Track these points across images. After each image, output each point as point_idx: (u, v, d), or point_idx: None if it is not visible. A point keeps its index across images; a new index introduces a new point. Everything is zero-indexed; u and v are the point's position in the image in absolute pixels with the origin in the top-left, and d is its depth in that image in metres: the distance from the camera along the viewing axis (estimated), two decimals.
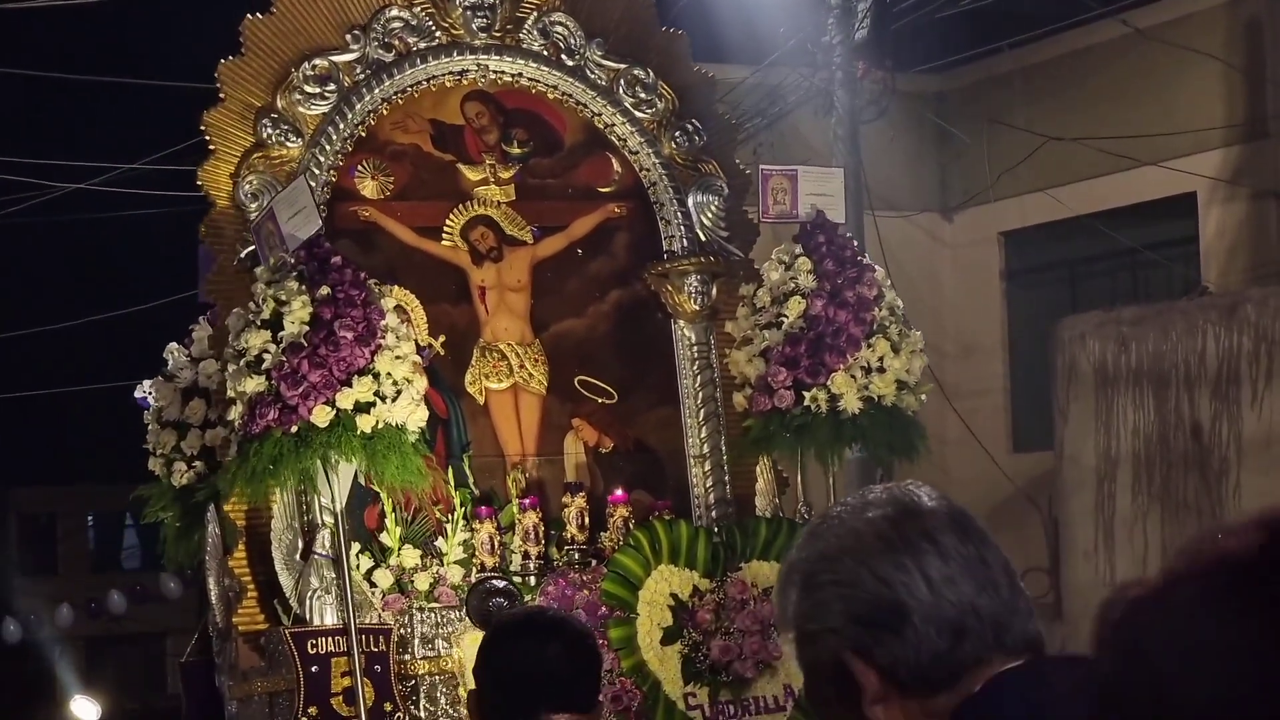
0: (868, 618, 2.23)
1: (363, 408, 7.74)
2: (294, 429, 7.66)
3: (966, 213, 17.25)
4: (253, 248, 8.33)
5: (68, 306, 24.89)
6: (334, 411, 7.68)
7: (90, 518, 38.00)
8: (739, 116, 13.52)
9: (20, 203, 18.28)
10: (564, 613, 6.12)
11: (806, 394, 8.39)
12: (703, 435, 9.10)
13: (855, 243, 8.78)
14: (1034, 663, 2.25)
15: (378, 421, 7.74)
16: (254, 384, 7.73)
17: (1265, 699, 1.53)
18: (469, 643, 7.94)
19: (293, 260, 7.88)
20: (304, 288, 7.81)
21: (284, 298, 7.79)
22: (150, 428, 8.91)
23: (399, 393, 7.83)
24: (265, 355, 7.75)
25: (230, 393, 7.88)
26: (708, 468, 9.05)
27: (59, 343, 24.75)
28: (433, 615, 8.19)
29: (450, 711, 8.00)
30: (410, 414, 7.87)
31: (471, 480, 8.73)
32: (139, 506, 9.05)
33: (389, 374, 7.81)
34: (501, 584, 6.98)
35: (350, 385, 7.70)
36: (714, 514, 8.92)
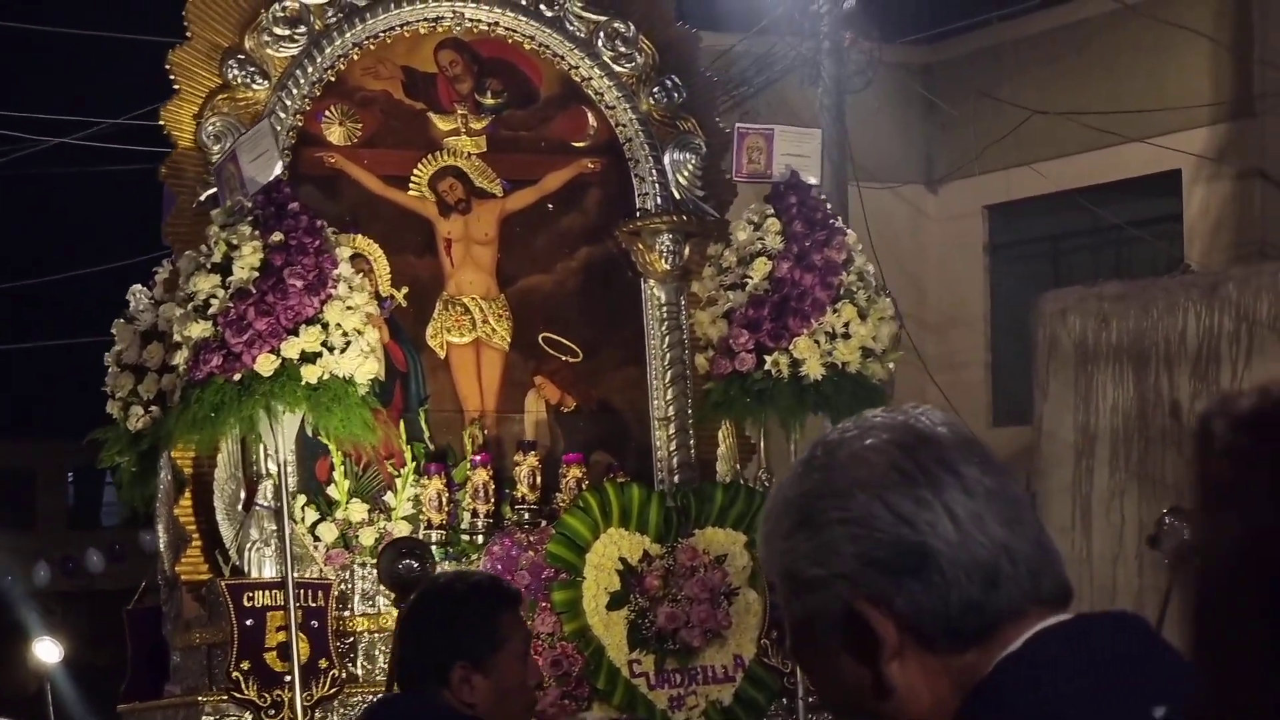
0: (887, 561, 1.92)
1: (309, 358, 7.58)
2: (237, 377, 7.51)
3: (951, 185, 17.08)
4: (213, 190, 8.17)
5: (50, 260, 24.76)
6: (279, 360, 7.52)
7: (70, 474, 37.87)
8: (726, 83, 13.43)
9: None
10: (489, 575, 5.98)
11: (768, 358, 8.21)
12: (668, 397, 8.93)
13: (829, 205, 8.57)
14: (1083, 618, 1.96)
15: (324, 372, 7.59)
16: (200, 329, 7.58)
17: None
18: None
19: (250, 204, 7.72)
20: (257, 233, 7.65)
21: (235, 241, 7.64)
22: (110, 370, 8.76)
23: (348, 344, 7.68)
24: (213, 300, 7.60)
25: (176, 336, 7.73)
26: (672, 430, 8.88)
27: (40, 297, 24.66)
28: (375, 571, 8.03)
29: (388, 670, 7.85)
30: (359, 366, 7.71)
31: (427, 435, 8.57)
32: (96, 449, 8.91)
33: (338, 324, 7.66)
34: (414, 545, 6.81)
35: (297, 334, 7.55)
36: (676, 478, 8.76)
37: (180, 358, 7.68)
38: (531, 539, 8.20)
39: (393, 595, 6.64)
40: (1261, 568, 1.39)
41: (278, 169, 7.72)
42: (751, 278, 8.31)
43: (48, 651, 10.40)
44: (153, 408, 8.50)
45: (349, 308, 7.70)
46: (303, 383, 7.55)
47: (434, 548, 8.05)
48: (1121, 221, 15.72)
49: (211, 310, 7.57)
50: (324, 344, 7.60)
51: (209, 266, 7.65)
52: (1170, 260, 14.60)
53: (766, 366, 8.21)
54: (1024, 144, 15.77)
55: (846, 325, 8.26)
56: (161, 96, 8.80)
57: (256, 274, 7.56)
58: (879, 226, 14.40)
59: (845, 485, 1.97)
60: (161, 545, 8.46)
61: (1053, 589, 1.98)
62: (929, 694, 1.94)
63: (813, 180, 8.52)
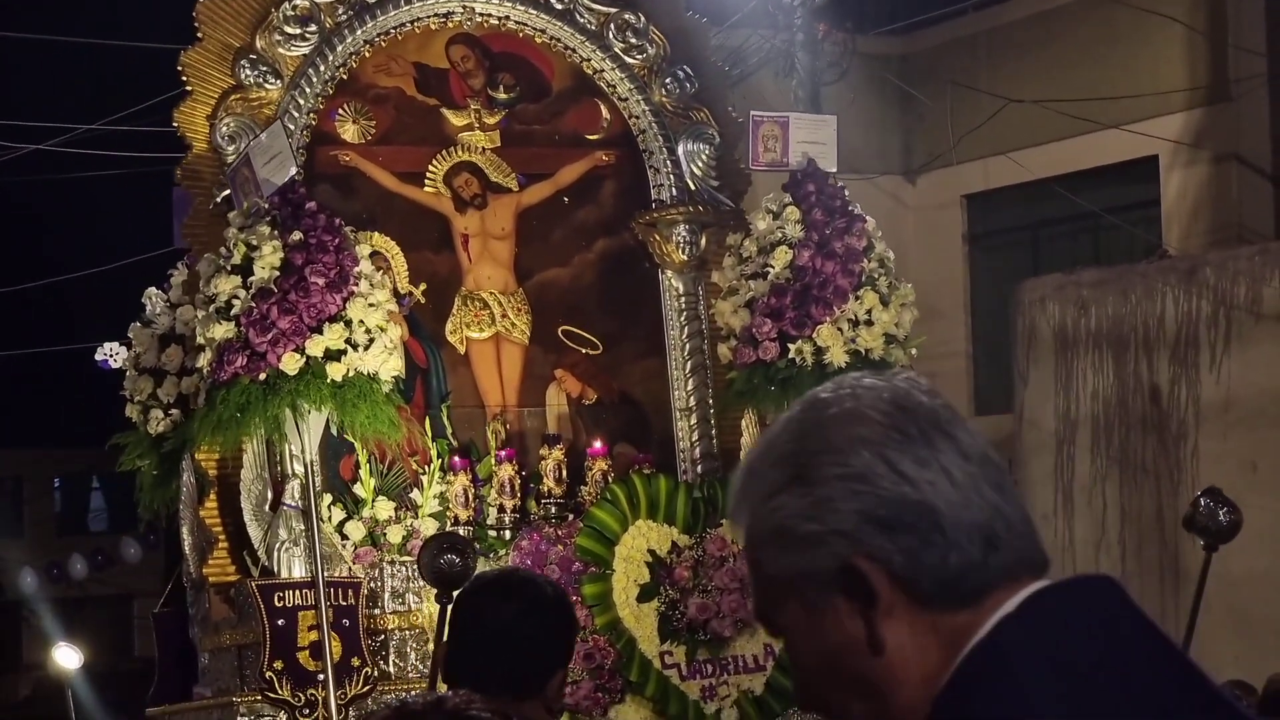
0: (888, 519, 1.90)
1: (333, 355, 7.58)
2: (262, 376, 7.50)
3: (929, 175, 17.14)
4: (229, 191, 8.16)
5: (31, 267, 24.68)
6: (304, 359, 7.52)
7: (57, 481, 37.77)
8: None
9: None
10: (536, 575, 5.96)
11: (791, 346, 8.20)
12: (689, 388, 8.91)
13: (846, 192, 8.55)
14: (1074, 582, 1.96)
15: (349, 370, 7.58)
16: (223, 330, 7.56)
17: None
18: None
19: (266, 205, 7.70)
20: (276, 233, 7.64)
21: (255, 242, 7.62)
22: (127, 374, 8.73)
23: (371, 341, 7.67)
24: (235, 301, 7.59)
25: (199, 339, 7.71)
26: (693, 421, 8.86)
27: (25, 304, 24.52)
28: (404, 569, 8.03)
29: (420, 667, 7.84)
30: (383, 363, 7.70)
31: (450, 431, 8.56)
32: (115, 455, 8.88)
33: (361, 321, 7.65)
34: (456, 540, 6.80)
35: (321, 332, 7.54)
36: (699, 468, 8.74)
37: (203, 360, 7.66)
38: (559, 533, 8.18)
39: (434, 591, 6.61)
40: None
41: (292, 170, 7.70)
42: (773, 267, 8.29)
43: (67, 658, 10.35)
44: (173, 411, 8.48)
45: (371, 305, 7.69)
46: (328, 380, 7.53)
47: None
48: (1099, 208, 15.81)
49: (234, 311, 7.55)
50: (348, 341, 7.59)
51: (229, 268, 7.64)
52: (1148, 246, 14.69)
53: (790, 355, 8.20)
54: (1000, 133, 15.84)
55: (869, 312, 8.25)
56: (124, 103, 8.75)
57: (278, 273, 7.54)
58: None
59: (843, 441, 1.94)
60: (186, 548, 8.43)
61: (1040, 557, 1.99)
62: (918, 653, 1.93)
63: (830, 168, 8.50)
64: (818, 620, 1.95)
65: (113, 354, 8.91)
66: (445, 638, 4.25)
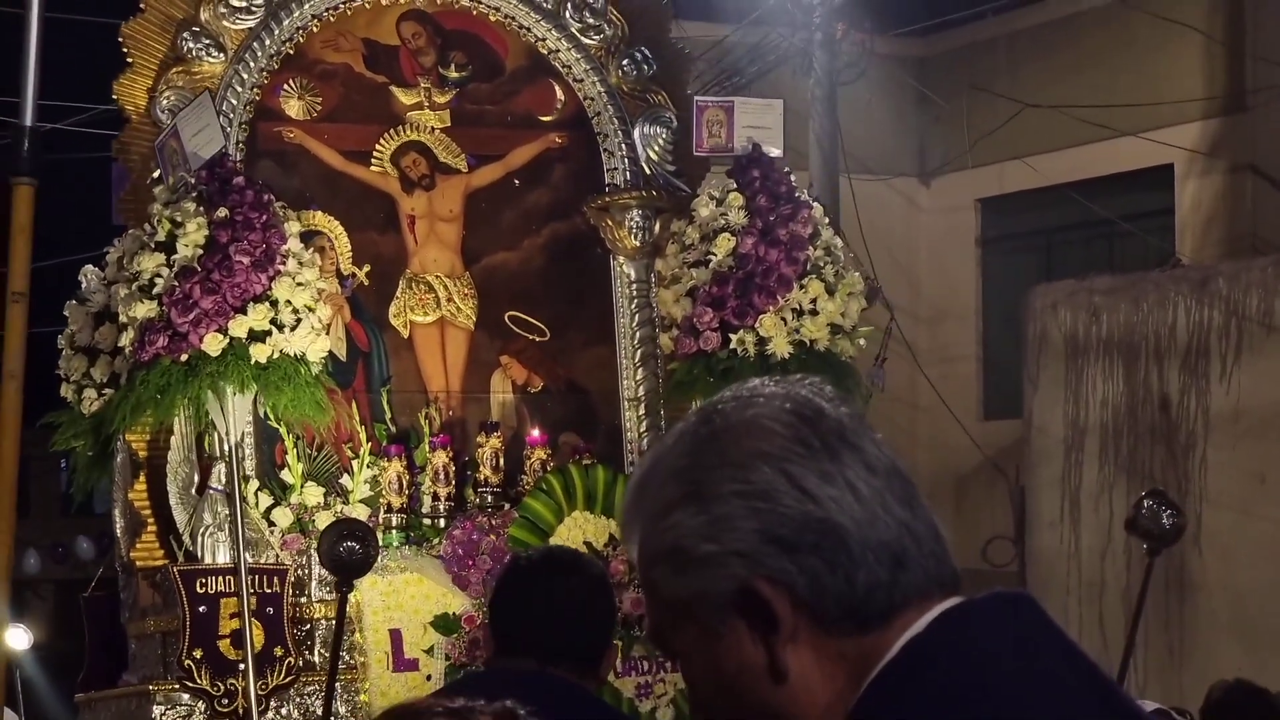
0: (790, 539, 1.79)
1: (258, 336, 7.38)
2: (184, 357, 7.31)
3: (944, 178, 17.06)
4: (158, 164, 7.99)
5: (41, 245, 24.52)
6: (227, 340, 7.32)
7: (63, 461, 37.69)
8: (720, 73, 13.39)
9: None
10: (581, 553, 5.91)
11: (733, 336, 7.99)
12: (638, 377, 8.70)
13: (791, 178, 8.34)
14: (984, 600, 1.84)
15: (274, 351, 7.39)
16: (145, 309, 7.39)
17: None
18: (368, 586, 7.58)
19: (194, 180, 7.51)
20: (202, 209, 7.45)
21: (179, 219, 7.44)
22: (63, 353, 8.57)
23: (299, 321, 7.48)
24: (158, 279, 7.40)
25: (122, 317, 7.53)
26: (642, 411, 8.65)
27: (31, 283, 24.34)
28: None
29: (345, 657, 7.63)
30: (310, 344, 7.52)
31: (389, 416, 8.36)
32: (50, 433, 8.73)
33: (288, 301, 7.46)
34: (356, 526, 6.63)
35: (245, 312, 7.34)
36: None
37: (126, 339, 7.48)
38: (494, 523, 7.98)
39: (334, 579, 6.45)
40: None
41: (221, 143, 7.51)
42: (715, 254, 8.09)
43: (17, 639, 10.22)
44: (106, 390, 8.31)
45: (299, 284, 7.50)
46: (252, 362, 7.35)
47: (394, 531, 7.86)
48: (1113, 216, 15.75)
49: (156, 290, 7.37)
50: (273, 322, 7.40)
51: (153, 245, 7.46)
52: (1161, 255, 14.65)
53: (732, 345, 7.99)
54: (1016, 137, 15.82)
55: (814, 302, 8.03)
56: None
57: (201, 252, 7.36)
58: (871, 218, 14.57)
59: (742, 456, 1.82)
60: (118, 531, 8.26)
61: (950, 574, 1.85)
62: (822, 680, 1.81)
63: (775, 152, 8.29)
64: (715, 644, 1.84)
65: None
66: (495, 613, 4.35)
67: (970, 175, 16.70)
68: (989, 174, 16.58)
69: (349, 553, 6.23)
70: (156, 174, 8.08)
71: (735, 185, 8.18)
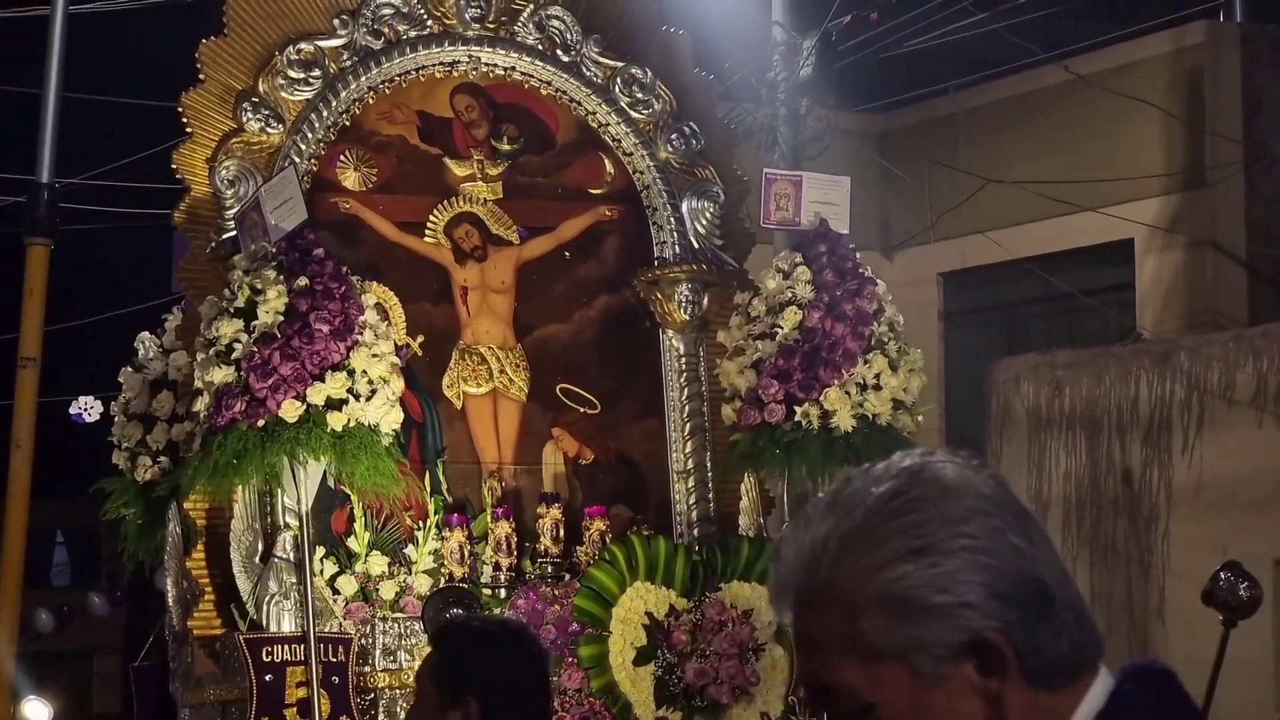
0: (1011, 594, 1.87)
1: (335, 405, 7.41)
2: (261, 423, 7.32)
3: (906, 252, 17.11)
4: (228, 235, 8.03)
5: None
6: (304, 406, 7.34)
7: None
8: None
9: None
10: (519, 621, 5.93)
11: (798, 409, 8.05)
12: (688, 450, 8.76)
13: (857, 254, 8.43)
14: (1150, 671, 1.97)
15: (350, 420, 7.40)
16: (222, 374, 7.38)
17: None
18: None
19: (274, 250, 7.54)
20: (281, 277, 7.48)
21: (260, 286, 7.45)
22: (116, 419, 8.57)
23: (374, 392, 7.51)
24: (236, 345, 7.42)
25: (197, 383, 7.54)
26: (691, 484, 8.70)
27: None
28: (396, 625, 7.84)
29: None
30: (385, 414, 7.53)
31: (445, 487, 8.38)
32: (82, 509, 8.70)
33: (364, 371, 7.49)
34: (461, 594, 6.64)
35: (323, 380, 7.37)
36: (695, 532, 8.58)
37: (201, 404, 7.48)
38: (556, 593, 8.01)
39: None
40: None
41: (303, 216, 7.54)
42: (781, 327, 8.15)
43: (36, 712, 10.16)
44: (162, 458, 8.31)
45: (375, 355, 7.53)
46: (328, 430, 7.36)
47: None
48: (1075, 290, 15.81)
49: (235, 355, 7.38)
50: (350, 391, 7.42)
51: (232, 311, 7.47)
52: (1123, 329, 14.73)
53: (796, 418, 8.05)
54: (978, 212, 15.88)
55: (878, 376, 8.11)
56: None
57: (281, 319, 7.37)
58: None
59: (965, 513, 1.90)
60: (170, 599, 8.22)
61: (1103, 638, 1.97)
62: None
63: (843, 229, 8.38)
64: (925, 693, 1.89)
65: (88, 408, 8.77)
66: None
67: (932, 249, 16.76)
68: (951, 248, 16.65)
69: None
70: (215, 243, 8.13)
71: (802, 259, 8.25)
